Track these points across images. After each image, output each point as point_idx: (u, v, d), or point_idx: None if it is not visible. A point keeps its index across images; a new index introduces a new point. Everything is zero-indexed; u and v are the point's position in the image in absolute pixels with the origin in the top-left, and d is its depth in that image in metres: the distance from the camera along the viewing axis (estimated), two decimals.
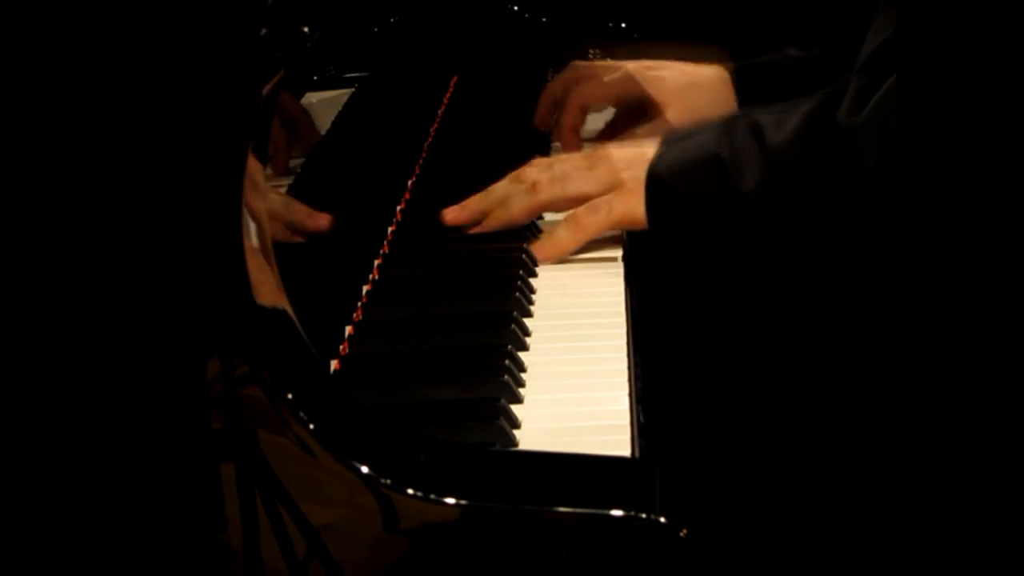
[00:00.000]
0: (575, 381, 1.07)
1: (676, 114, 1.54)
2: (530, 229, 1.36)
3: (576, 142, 1.58)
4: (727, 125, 1.29)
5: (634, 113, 1.59)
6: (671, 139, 1.32)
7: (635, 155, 1.32)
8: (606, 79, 1.58)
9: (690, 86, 1.55)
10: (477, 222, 1.34)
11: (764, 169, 1.23)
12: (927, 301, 0.85)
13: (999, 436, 0.82)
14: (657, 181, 1.28)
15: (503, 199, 1.34)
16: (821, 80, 1.51)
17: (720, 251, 1.27)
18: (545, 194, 1.33)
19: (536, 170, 1.35)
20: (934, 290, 0.85)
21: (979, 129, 0.86)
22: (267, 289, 0.88)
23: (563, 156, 1.40)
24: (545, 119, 1.63)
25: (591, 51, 1.86)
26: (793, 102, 1.27)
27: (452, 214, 1.34)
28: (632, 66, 1.58)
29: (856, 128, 1.18)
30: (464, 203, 1.34)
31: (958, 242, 0.85)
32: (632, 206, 1.29)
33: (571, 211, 1.31)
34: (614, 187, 1.31)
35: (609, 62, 1.64)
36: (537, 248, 1.30)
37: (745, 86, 1.55)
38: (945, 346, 0.84)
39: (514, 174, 1.35)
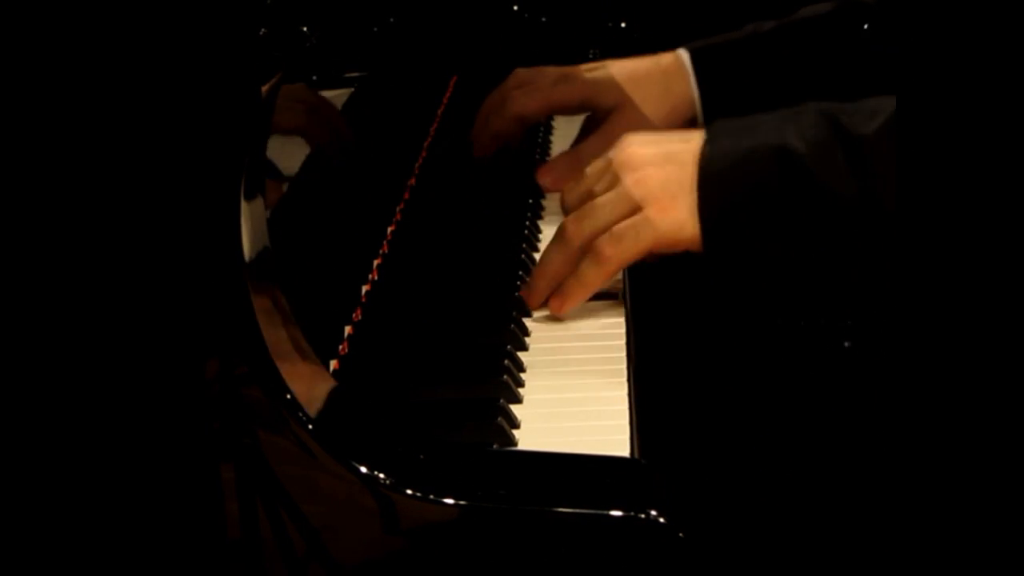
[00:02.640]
0: (574, 381, 1.07)
1: (627, 114, 1.47)
2: (530, 231, 1.36)
3: (492, 149, 1.50)
4: (787, 115, 1.17)
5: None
6: (715, 133, 1.17)
7: (665, 157, 1.17)
8: (544, 85, 1.50)
9: (631, 81, 1.48)
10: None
11: (858, 164, 1.10)
12: (926, 304, 0.85)
13: (999, 437, 0.82)
14: (710, 185, 1.13)
15: (563, 269, 1.18)
16: (783, 55, 1.51)
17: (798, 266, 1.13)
18: (576, 241, 1.17)
19: (572, 216, 1.18)
20: (935, 292, 0.85)
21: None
22: (266, 288, 0.89)
23: (588, 172, 1.21)
24: (481, 135, 1.52)
25: (591, 51, 1.86)
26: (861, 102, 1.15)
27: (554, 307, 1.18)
28: (570, 69, 1.51)
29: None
30: (531, 291, 1.19)
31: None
32: (663, 226, 1.15)
33: (592, 242, 1.16)
34: (639, 207, 1.15)
35: (551, 68, 1.53)
36: (565, 295, 1.17)
37: (706, 68, 1.49)
38: (945, 347, 0.84)
39: (558, 235, 1.19)
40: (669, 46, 1.54)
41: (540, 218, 1.41)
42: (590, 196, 1.18)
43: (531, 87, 1.50)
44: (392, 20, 1.64)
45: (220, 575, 0.89)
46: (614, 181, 1.17)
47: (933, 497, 0.83)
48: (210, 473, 0.87)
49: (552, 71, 1.52)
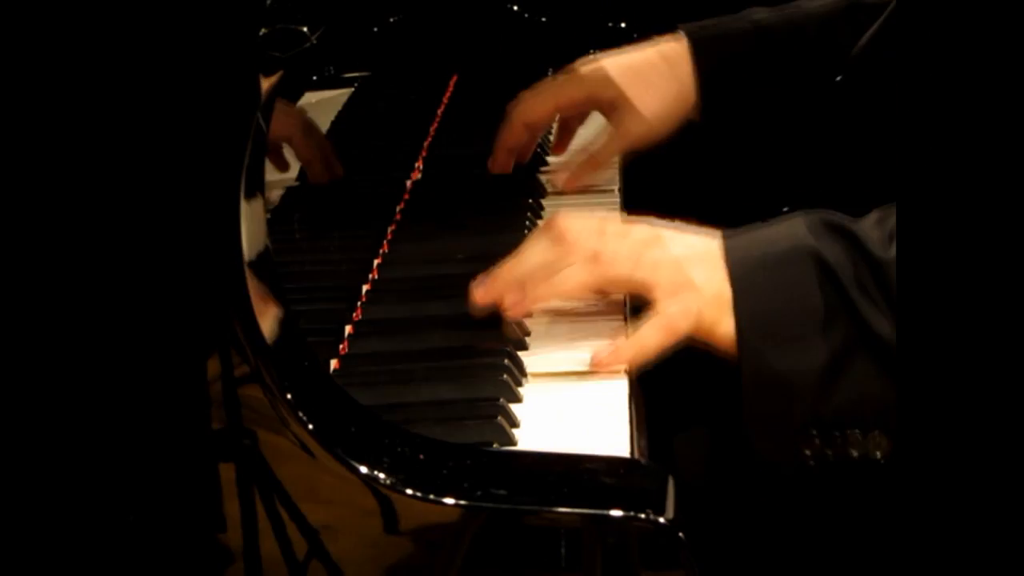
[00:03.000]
0: (574, 380, 1.07)
1: (633, 104, 1.44)
2: (529, 231, 1.36)
3: (509, 163, 1.48)
4: (795, 222, 1.10)
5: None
6: (734, 236, 1.11)
7: (700, 253, 1.10)
8: (546, 88, 1.48)
9: (632, 70, 1.46)
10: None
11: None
12: (931, 304, 0.85)
13: (1000, 440, 0.82)
14: (744, 293, 1.07)
15: (545, 266, 1.12)
16: (786, 48, 1.50)
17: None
18: (613, 270, 1.10)
19: (583, 233, 1.12)
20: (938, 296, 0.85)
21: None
22: (266, 288, 0.89)
23: (606, 217, 1.17)
24: (497, 152, 1.48)
25: (591, 51, 1.86)
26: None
27: (481, 292, 1.12)
28: (569, 67, 1.49)
29: None
30: (493, 275, 1.12)
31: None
32: (715, 318, 1.07)
33: (660, 310, 1.09)
34: (687, 288, 1.09)
35: (552, 75, 1.52)
36: (620, 350, 1.08)
37: (704, 54, 1.47)
38: (948, 349, 0.84)
39: (553, 233, 1.12)
40: None
41: (540, 218, 1.41)
42: (619, 241, 1.12)
43: (534, 93, 1.48)
44: (392, 20, 1.64)
45: (220, 575, 0.89)
46: (653, 243, 1.11)
47: (933, 499, 0.83)
48: (210, 473, 0.87)
49: (553, 76, 1.51)
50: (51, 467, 0.88)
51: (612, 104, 1.46)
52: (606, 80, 1.46)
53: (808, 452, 1.07)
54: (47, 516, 0.88)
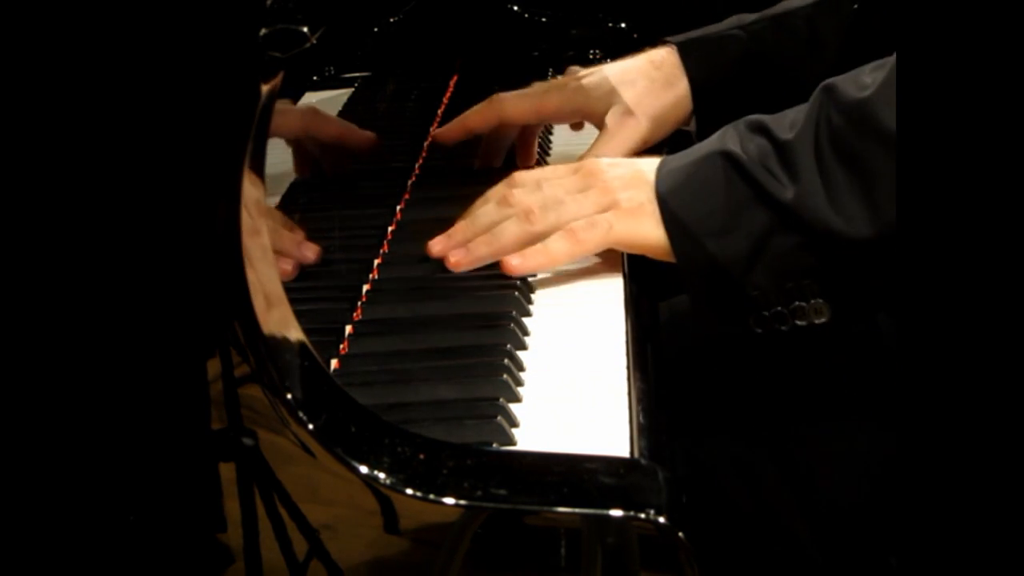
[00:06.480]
0: (574, 380, 1.07)
1: (627, 116, 1.45)
2: None
3: (456, 139, 1.49)
4: (723, 130, 1.23)
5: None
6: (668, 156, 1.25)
7: (631, 174, 1.24)
8: (534, 92, 1.48)
9: (627, 83, 1.46)
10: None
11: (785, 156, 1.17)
12: (930, 304, 0.85)
13: (1000, 441, 0.82)
14: (666, 198, 1.20)
15: (490, 226, 1.26)
16: (771, 48, 1.50)
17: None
18: (540, 224, 1.24)
19: (523, 192, 1.26)
20: (937, 292, 0.85)
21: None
22: (266, 289, 0.89)
23: (549, 172, 1.29)
24: (453, 126, 1.51)
25: (592, 51, 1.86)
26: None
27: (439, 246, 1.26)
28: (561, 78, 1.50)
29: (868, 97, 1.15)
30: (450, 232, 1.27)
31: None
32: (631, 227, 1.22)
33: (570, 226, 1.23)
34: (610, 208, 1.23)
35: (543, 81, 1.54)
36: (529, 256, 1.23)
37: (693, 61, 1.48)
38: (948, 350, 0.84)
39: (499, 195, 1.27)
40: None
41: None
42: (554, 190, 1.26)
43: (521, 92, 1.48)
44: (392, 20, 1.64)
45: (220, 575, 0.89)
46: (585, 186, 1.25)
47: (931, 497, 0.83)
48: (210, 473, 0.88)
49: (543, 82, 1.51)
50: (52, 467, 0.88)
51: (603, 115, 1.45)
52: (599, 91, 1.46)
53: (759, 330, 1.20)
54: (47, 516, 0.88)
